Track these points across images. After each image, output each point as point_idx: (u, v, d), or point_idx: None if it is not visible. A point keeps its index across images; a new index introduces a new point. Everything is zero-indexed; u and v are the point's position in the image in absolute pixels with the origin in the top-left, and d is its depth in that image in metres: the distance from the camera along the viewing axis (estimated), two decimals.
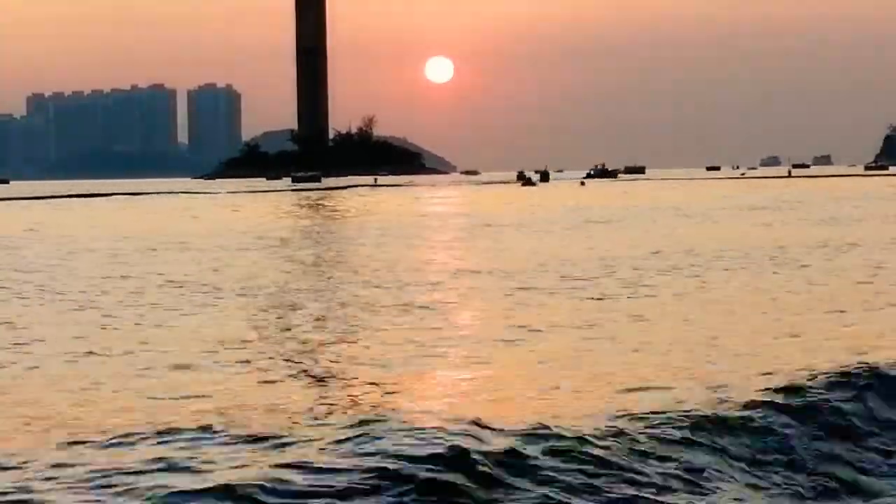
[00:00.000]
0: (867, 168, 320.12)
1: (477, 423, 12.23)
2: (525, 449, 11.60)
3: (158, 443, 12.37)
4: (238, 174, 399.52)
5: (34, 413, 14.79)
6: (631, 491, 11.12)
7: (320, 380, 17.14)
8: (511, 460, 11.34)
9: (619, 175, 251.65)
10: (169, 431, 12.80)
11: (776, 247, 41.86)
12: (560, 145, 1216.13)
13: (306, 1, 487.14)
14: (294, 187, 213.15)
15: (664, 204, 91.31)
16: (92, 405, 15.26)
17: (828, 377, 15.04)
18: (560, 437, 12.03)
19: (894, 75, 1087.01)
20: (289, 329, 23.28)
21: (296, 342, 21.40)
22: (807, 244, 43.12)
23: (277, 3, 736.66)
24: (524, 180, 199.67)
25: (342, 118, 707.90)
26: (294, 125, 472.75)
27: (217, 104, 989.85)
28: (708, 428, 12.83)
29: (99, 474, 11.14)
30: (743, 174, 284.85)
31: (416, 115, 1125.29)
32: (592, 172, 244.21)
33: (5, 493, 10.62)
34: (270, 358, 19.22)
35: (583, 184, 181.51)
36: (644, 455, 11.93)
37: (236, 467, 11.18)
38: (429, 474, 10.68)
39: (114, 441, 12.61)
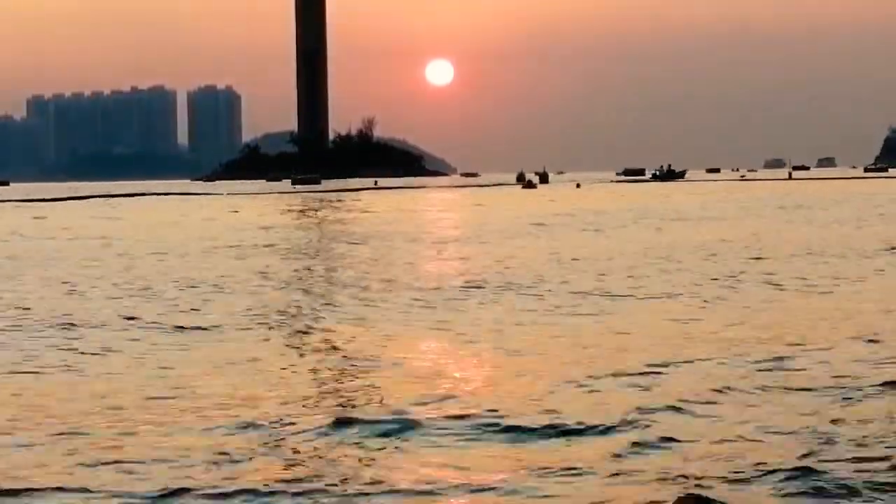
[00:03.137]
0: (867, 170, 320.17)
1: None
2: None
3: None
4: (238, 176, 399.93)
5: None
6: None
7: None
8: None
9: (687, 176, 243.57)
10: None
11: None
12: (560, 147, 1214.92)
13: (306, 3, 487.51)
14: (294, 190, 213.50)
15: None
16: None
17: None
18: None
19: None
20: None
21: None
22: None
23: (278, 5, 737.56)
24: (525, 182, 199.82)
25: (342, 120, 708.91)
26: (294, 127, 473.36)
27: (217, 106, 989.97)
28: None
29: None
30: (743, 176, 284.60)
31: (417, 118, 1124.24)
32: (658, 173, 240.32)
33: None
34: None
35: (578, 186, 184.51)
36: None
37: None
38: None
39: None
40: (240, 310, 27.37)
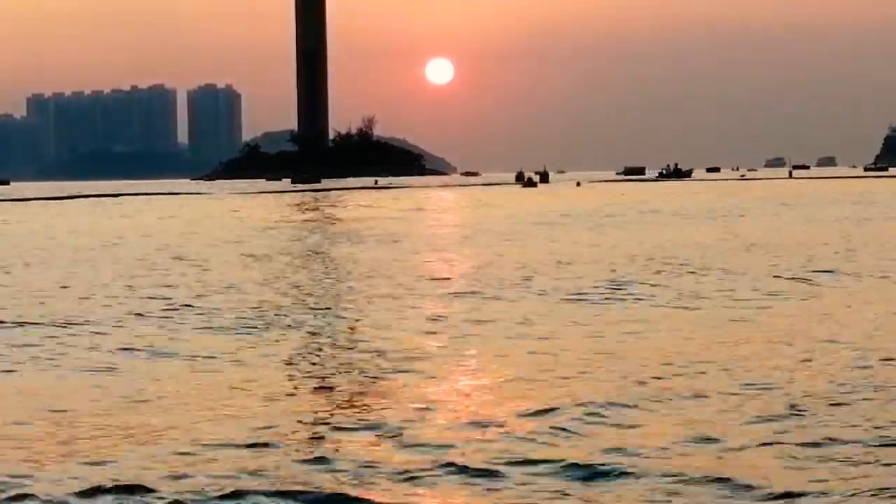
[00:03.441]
0: (867, 169, 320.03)
1: None
2: None
3: None
4: (238, 175, 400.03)
5: None
6: None
7: None
8: None
9: (694, 175, 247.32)
10: None
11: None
12: (560, 147, 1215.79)
13: (306, 3, 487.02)
14: (294, 188, 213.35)
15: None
16: None
17: None
18: None
19: None
20: None
21: None
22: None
23: (278, 5, 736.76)
24: (524, 182, 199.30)
25: (342, 119, 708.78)
26: (294, 126, 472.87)
27: (217, 105, 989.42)
28: None
29: None
30: (743, 176, 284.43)
31: (417, 117, 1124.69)
32: (664, 172, 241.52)
33: None
34: None
35: (578, 185, 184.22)
36: None
37: None
38: None
39: None
40: (229, 311, 27.15)
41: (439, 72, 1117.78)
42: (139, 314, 26.49)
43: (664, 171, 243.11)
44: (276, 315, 26.11)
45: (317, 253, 47.62)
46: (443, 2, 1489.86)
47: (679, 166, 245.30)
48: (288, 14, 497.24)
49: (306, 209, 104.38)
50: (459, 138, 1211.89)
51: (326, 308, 27.68)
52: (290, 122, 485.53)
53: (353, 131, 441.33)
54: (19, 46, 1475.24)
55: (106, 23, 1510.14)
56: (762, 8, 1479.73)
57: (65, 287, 33.83)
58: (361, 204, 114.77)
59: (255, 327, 24.15)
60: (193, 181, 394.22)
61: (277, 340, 22.34)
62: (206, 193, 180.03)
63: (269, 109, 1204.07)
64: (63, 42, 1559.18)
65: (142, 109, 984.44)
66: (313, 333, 23.39)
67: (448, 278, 34.58)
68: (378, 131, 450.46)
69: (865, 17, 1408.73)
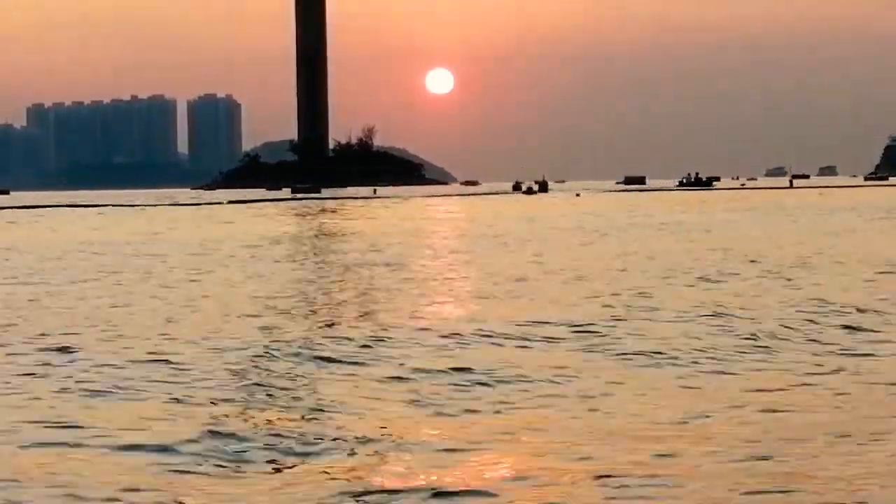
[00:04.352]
0: (867, 178, 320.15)
1: None
2: None
3: None
4: (238, 185, 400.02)
5: None
6: None
7: None
8: None
9: (714, 183, 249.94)
10: None
11: None
12: (560, 156, 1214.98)
13: (307, 11, 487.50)
14: (293, 198, 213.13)
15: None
16: None
17: None
18: None
19: None
20: None
21: None
22: None
23: (278, 13, 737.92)
24: (522, 191, 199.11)
25: (342, 129, 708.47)
26: (294, 136, 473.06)
27: (217, 114, 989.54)
28: None
29: None
30: (743, 185, 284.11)
31: (417, 126, 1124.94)
32: (685, 181, 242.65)
33: None
34: None
35: (578, 195, 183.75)
36: None
37: None
38: None
39: None
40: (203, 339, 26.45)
41: (439, 81, 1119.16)
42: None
43: (685, 180, 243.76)
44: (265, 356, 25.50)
45: (310, 277, 47.12)
46: (443, 9, 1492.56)
47: (700, 175, 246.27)
48: (288, 18, 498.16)
49: (304, 221, 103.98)
50: (459, 148, 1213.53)
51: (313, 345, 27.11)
52: (291, 132, 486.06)
53: (353, 141, 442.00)
54: (19, 56, 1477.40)
55: (106, 33, 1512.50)
56: (763, 10, 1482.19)
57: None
58: (360, 215, 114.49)
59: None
60: (193, 191, 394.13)
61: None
62: (204, 203, 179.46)
63: (270, 120, 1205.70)
64: (63, 52, 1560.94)
65: (142, 119, 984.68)
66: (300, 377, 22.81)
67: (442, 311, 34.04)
68: (378, 141, 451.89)
69: (868, 25, 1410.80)
